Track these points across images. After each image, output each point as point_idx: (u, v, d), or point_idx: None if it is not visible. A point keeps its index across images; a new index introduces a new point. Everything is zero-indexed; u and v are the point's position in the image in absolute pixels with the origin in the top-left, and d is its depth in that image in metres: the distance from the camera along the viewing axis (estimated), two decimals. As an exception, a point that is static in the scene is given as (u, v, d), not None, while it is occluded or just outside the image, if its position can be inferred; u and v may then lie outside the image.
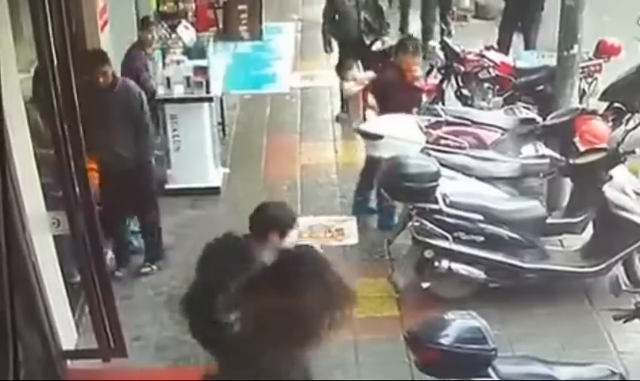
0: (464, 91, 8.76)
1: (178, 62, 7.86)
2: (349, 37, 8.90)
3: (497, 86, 8.72)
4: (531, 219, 6.19)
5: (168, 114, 7.69)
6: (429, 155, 6.47)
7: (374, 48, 8.84)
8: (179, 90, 7.67)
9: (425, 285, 6.16)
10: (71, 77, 4.57)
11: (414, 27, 11.10)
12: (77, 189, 4.80)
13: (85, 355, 5.34)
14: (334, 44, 9.18)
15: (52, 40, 4.42)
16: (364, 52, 8.88)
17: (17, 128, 4.88)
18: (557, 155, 6.77)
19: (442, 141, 6.98)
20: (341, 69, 8.88)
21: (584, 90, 8.42)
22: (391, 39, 8.96)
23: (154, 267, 6.64)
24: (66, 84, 4.56)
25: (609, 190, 6.07)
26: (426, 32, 10.71)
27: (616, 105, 8.37)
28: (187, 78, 7.66)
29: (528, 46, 9.98)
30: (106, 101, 6.21)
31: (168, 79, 7.71)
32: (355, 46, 8.89)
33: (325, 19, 9.08)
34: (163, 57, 8.19)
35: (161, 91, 7.78)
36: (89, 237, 4.91)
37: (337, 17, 9.00)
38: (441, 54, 8.78)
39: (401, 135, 7.17)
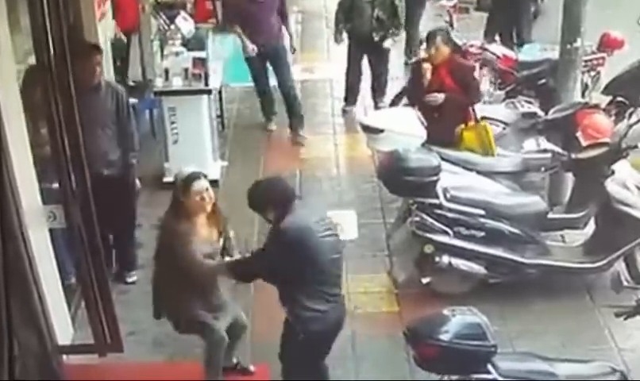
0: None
1: (176, 53, 7.81)
2: (360, 32, 8.84)
3: (499, 80, 8.67)
4: (532, 214, 6.15)
5: (166, 107, 7.64)
6: (430, 149, 6.43)
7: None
8: (177, 83, 7.62)
9: (425, 280, 6.13)
10: (67, 68, 4.53)
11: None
12: (73, 182, 4.76)
13: (81, 350, 5.30)
14: (344, 35, 9.11)
15: (48, 30, 4.37)
16: (371, 48, 8.87)
17: (14, 121, 4.85)
18: (559, 150, 6.72)
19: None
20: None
21: (586, 84, 8.36)
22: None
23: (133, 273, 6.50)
24: (62, 75, 4.52)
25: (611, 185, 6.03)
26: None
27: (619, 99, 8.30)
28: (186, 70, 7.61)
29: (521, 39, 9.92)
30: (93, 102, 5.90)
31: (167, 71, 7.66)
32: (364, 41, 8.86)
33: (339, 9, 9.01)
34: (162, 49, 8.14)
35: (159, 83, 7.74)
36: (85, 231, 4.87)
37: (351, 10, 8.86)
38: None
39: (402, 129, 7.11)
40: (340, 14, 9.00)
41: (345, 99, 9.40)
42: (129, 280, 6.47)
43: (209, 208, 4.88)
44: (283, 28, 8.65)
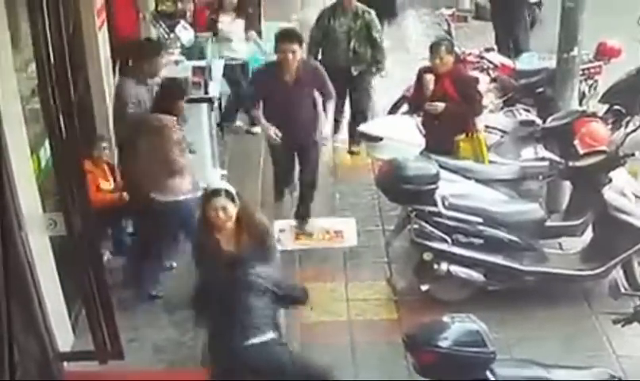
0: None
1: (176, 62, 7.83)
2: (337, 66, 7.95)
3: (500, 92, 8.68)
4: (530, 222, 6.16)
5: (166, 115, 7.64)
6: (428, 157, 6.45)
7: None
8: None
9: (424, 288, 6.14)
10: (67, 76, 4.54)
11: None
12: (74, 189, 4.77)
13: (81, 357, 5.29)
14: None
15: (49, 39, 4.39)
16: (350, 83, 8.30)
17: (14, 128, 4.86)
18: (557, 158, 6.75)
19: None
20: None
21: (583, 93, 8.39)
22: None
23: None
24: (63, 83, 4.53)
25: (608, 193, 6.05)
26: None
27: (616, 107, 8.35)
28: (186, 79, 7.63)
29: (519, 48, 9.97)
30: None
31: (166, 80, 7.66)
32: (342, 76, 7.99)
33: (311, 41, 8.22)
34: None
35: (159, 92, 7.73)
36: (86, 238, 4.88)
37: (325, 41, 8.20)
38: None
39: (401, 137, 7.14)
40: (313, 47, 8.24)
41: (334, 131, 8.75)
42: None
43: (227, 225, 4.82)
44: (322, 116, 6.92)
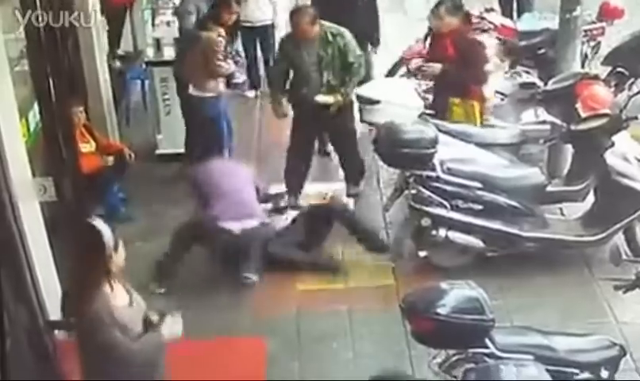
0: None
1: (168, 23, 7.70)
2: (310, 105, 6.70)
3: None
4: (531, 187, 6.08)
5: (158, 77, 7.55)
6: (427, 120, 6.34)
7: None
8: (169, 53, 7.53)
9: (422, 254, 6.07)
10: (57, 38, 4.45)
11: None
12: (63, 153, 4.69)
13: (73, 325, 5.23)
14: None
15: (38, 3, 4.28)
16: (329, 126, 6.90)
17: (2, 91, 4.76)
18: (558, 121, 6.63)
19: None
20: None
21: (586, 54, 8.26)
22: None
23: None
24: (52, 45, 4.44)
25: (611, 157, 5.96)
26: None
27: (619, 69, 8.22)
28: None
29: (523, 8, 9.82)
30: None
31: (158, 41, 7.58)
32: (314, 115, 6.78)
33: (274, 79, 7.09)
34: (153, 18, 8.03)
35: (151, 53, 7.64)
36: (76, 203, 4.80)
37: (294, 76, 6.79)
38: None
39: (398, 100, 7.01)
40: (275, 79, 7.06)
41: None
42: None
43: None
44: None
